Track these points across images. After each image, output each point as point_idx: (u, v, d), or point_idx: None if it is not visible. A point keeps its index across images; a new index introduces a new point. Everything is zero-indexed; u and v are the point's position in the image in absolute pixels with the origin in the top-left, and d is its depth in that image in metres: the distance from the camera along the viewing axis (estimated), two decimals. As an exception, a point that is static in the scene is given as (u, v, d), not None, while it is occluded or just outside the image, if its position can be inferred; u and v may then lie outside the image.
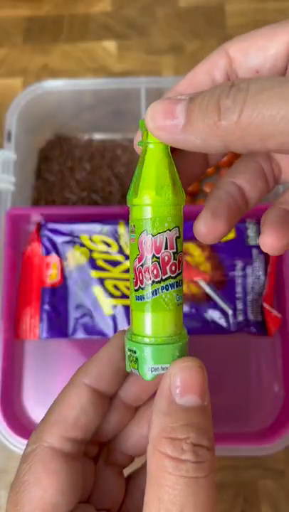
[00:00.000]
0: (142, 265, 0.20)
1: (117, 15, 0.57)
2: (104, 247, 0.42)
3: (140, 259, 0.20)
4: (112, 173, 0.50)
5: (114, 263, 0.42)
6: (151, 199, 0.20)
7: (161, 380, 0.20)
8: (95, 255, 0.42)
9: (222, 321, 0.41)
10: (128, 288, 0.41)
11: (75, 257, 0.42)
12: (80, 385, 0.23)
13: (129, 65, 0.55)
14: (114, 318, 0.41)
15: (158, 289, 0.20)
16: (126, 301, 0.41)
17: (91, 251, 0.42)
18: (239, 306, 0.41)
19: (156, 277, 0.20)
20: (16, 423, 0.39)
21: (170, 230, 0.20)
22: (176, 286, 0.20)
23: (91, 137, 0.53)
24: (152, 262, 0.19)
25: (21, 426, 0.39)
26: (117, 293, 0.41)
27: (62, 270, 0.42)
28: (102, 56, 0.56)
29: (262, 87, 0.16)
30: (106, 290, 0.41)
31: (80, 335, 0.41)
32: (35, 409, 0.41)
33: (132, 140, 0.52)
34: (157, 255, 0.19)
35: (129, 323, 0.41)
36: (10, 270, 0.42)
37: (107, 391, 0.23)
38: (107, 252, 0.42)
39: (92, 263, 0.42)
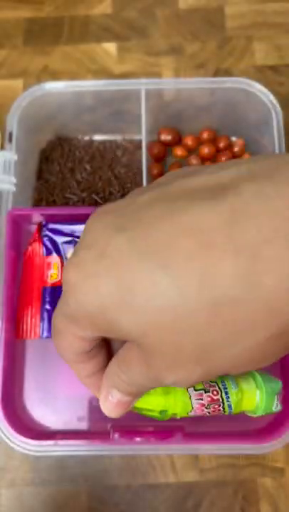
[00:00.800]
0: (208, 410, 0.24)
1: (118, 16, 0.58)
2: (104, 248, 0.42)
3: (205, 408, 0.24)
4: (112, 173, 0.50)
5: (115, 263, 0.42)
6: (173, 405, 0.23)
7: None
8: (96, 255, 0.42)
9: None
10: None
11: (75, 257, 0.42)
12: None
13: (130, 67, 0.56)
14: (114, 317, 0.41)
15: (228, 403, 0.24)
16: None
17: (91, 251, 0.42)
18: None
19: (219, 406, 0.24)
20: (16, 422, 0.39)
21: (188, 391, 0.23)
22: (226, 386, 0.24)
23: (91, 138, 0.53)
24: (211, 409, 0.24)
25: (22, 425, 0.40)
26: (118, 293, 0.42)
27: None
28: (103, 57, 0.56)
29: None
30: (106, 290, 0.42)
31: (81, 334, 0.41)
32: (35, 408, 0.41)
33: (132, 141, 0.52)
34: (207, 406, 0.24)
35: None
36: (11, 270, 0.42)
37: None
38: (107, 253, 0.42)
39: (93, 263, 0.42)
